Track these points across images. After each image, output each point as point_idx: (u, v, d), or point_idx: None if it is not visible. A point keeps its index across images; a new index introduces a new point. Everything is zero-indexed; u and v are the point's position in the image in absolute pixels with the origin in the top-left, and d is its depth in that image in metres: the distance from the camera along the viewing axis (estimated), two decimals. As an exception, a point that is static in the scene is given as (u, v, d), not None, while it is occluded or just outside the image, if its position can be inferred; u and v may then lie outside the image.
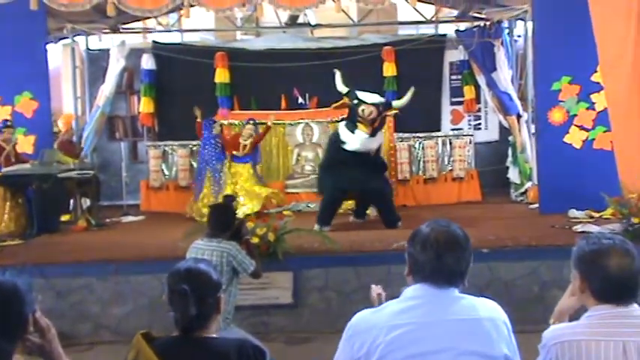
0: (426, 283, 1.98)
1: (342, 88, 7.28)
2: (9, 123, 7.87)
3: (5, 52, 8.10)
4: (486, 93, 10.56)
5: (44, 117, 8.49)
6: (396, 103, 7.50)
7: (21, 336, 1.74)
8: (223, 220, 4.15)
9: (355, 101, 7.09)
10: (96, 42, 11.07)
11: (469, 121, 11.04)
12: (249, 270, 4.05)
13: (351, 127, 7.10)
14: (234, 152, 8.64)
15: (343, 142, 7.12)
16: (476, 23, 10.75)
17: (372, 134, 7.10)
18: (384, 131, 7.96)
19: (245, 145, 8.63)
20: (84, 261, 5.87)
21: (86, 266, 5.76)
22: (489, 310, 2.01)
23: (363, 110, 6.95)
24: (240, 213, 8.26)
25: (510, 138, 10.14)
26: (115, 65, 10.65)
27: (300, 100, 10.20)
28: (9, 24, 7.89)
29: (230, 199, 4.68)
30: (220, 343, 2.09)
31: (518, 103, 10.11)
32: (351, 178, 7.05)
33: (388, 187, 7.79)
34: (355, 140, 7.01)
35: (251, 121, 8.87)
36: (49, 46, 9.19)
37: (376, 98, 7.21)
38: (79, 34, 10.69)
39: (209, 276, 2.09)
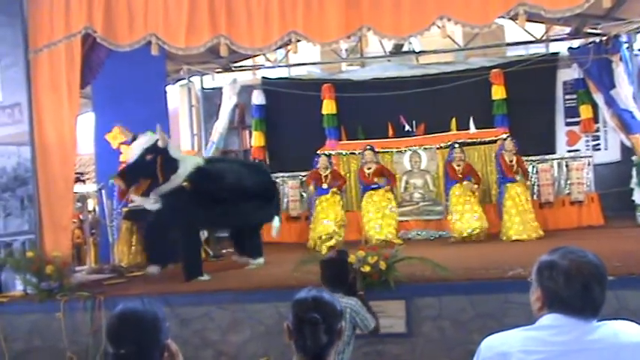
0: (568, 315, 1.87)
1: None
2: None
3: (130, 95, 8.71)
4: (605, 112, 10.04)
5: (165, 154, 9.00)
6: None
7: None
8: (339, 275, 3.98)
9: None
10: (209, 81, 11.72)
11: (586, 141, 10.54)
12: (371, 327, 3.83)
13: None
14: (375, 180, 8.70)
15: None
16: (591, 39, 10.30)
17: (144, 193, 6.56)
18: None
19: (369, 174, 8.75)
20: (204, 290, 6.13)
21: (206, 295, 6.01)
22: (632, 335, 1.89)
23: None
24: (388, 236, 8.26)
25: (634, 158, 9.51)
26: (228, 102, 11.20)
27: (407, 127, 10.17)
28: (133, 69, 8.48)
29: (344, 253, 4.49)
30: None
31: (641, 120, 9.51)
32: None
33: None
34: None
35: (368, 147, 8.94)
36: (167, 88, 9.82)
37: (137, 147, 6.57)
38: (194, 75, 11.35)
39: (334, 304, 2.15)
